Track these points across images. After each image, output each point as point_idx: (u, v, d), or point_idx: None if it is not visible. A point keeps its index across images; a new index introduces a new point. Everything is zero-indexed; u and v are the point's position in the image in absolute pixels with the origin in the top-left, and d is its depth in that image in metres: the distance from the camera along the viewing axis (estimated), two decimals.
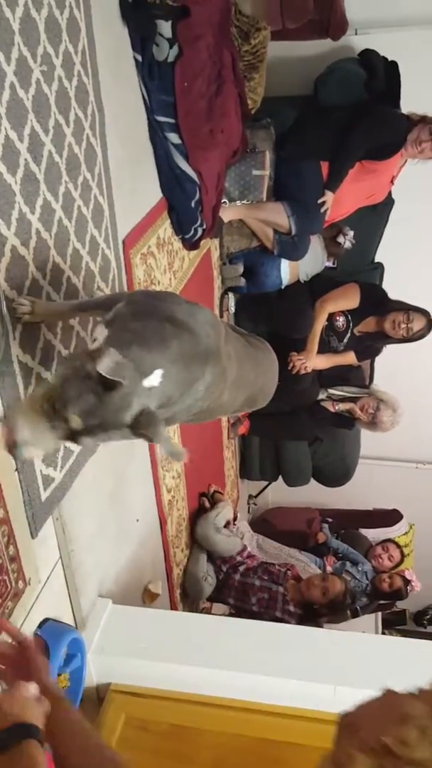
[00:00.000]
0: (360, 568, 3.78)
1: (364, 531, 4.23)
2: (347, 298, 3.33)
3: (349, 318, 3.39)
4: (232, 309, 3.62)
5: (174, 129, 2.36)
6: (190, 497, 3.16)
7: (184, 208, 2.57)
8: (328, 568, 3.62)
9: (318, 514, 4.32)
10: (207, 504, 3.35)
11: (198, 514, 3.28)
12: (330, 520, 4.23)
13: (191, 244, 2.79)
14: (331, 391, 3.74)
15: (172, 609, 2.90)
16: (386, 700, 0.84)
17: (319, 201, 3.04)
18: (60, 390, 1.17)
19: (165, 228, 2.54)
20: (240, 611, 2.99)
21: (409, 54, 3.15)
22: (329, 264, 3.60)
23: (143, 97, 2.27)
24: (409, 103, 3.07)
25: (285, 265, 3.36)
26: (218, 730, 1.91)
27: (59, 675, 1.78)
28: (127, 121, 2.16)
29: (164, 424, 1.23)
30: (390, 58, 3.13)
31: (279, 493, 4.65)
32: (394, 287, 3.51)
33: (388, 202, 3.56)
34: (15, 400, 1.46)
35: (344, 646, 2.08)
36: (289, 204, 3.09)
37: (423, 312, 3.25)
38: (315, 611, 2.90)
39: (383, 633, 4.61)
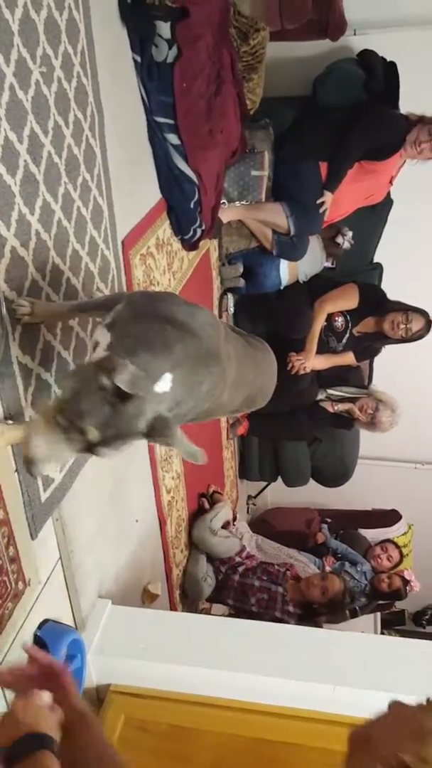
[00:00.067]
0: (359, 569, 3.78)
1: (363, 531, 4.23)
2: (346, 299, 3.33)
3: (348, 318, 3.39)
4: (231, 309, 3.62)
5: (173, 130, 2.36)
6: (189, 498, 3.16)
7: (183, 208, 2.57)
8: (327, 569, 3.61)
9: (317, 515, 4.32)
10: (206, 504, 3.34)
11: (197, 514, 3.28)
12: (329, 520, 4.23)
13: (190, 245, 2.79)
14: (330, 391, 3.74)
15: (171, 610, 2.90)
16: (398, 714, 0.84)
17: (318, 201, 3.04)
18: (72, 403, 1.16)
19: (164, 229, 2.55)
20: (239, 612, 2.99)
21: (407, 54, 3.16)
22: (328, 264, 3.60)
23: (142, 98, 2.28)
24: (408, 104, 3.07)
25: (284, 265, 3.36)
26: (217, 730, 1.91)
27: None
28: (126, 121, 2.16)
29: (178, 427, 1.24)
30: (389, 59, 3.13)
31: (278, 494, 4.65)
32: (392, 288, 3.51)
33: (387, 203, 3.56)
34: (28, 419, 1.46)
35: (343, 646, 2.08)
36: (287, 204, 3.09)
37: (422, 312, 3.25)
38: (314, 611, 2.90)
39: (382, 633, 4.61)
